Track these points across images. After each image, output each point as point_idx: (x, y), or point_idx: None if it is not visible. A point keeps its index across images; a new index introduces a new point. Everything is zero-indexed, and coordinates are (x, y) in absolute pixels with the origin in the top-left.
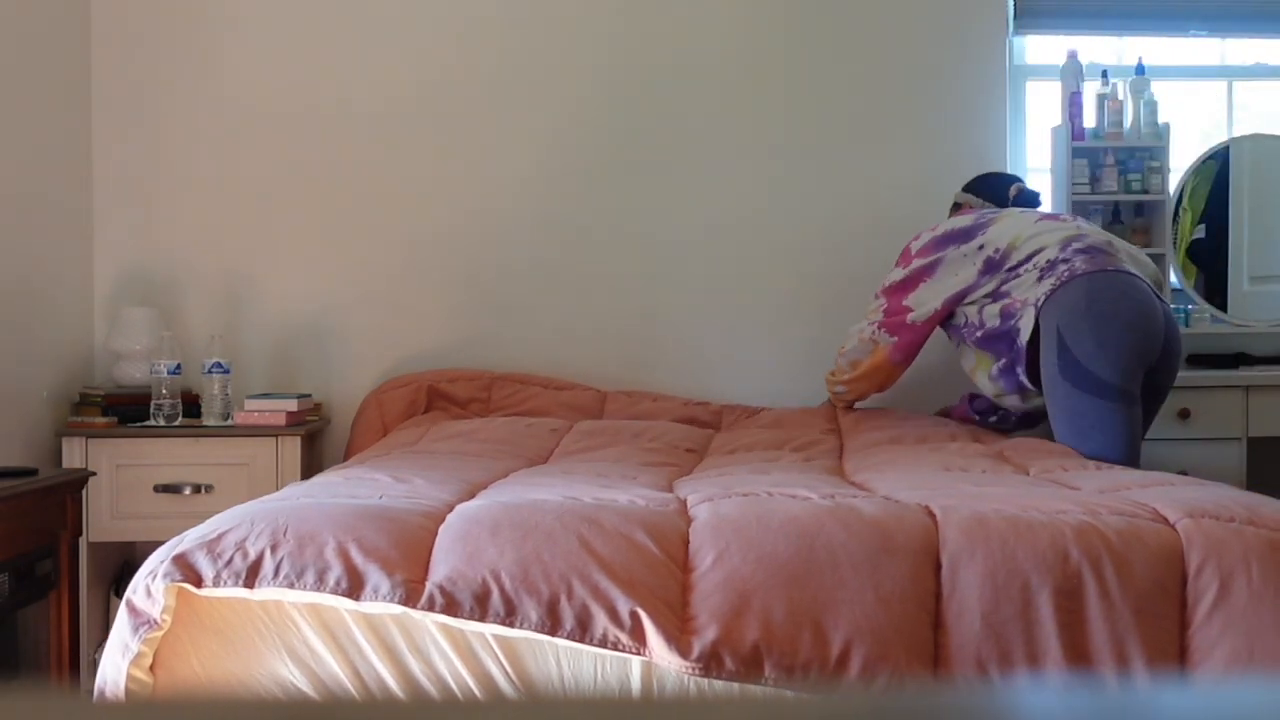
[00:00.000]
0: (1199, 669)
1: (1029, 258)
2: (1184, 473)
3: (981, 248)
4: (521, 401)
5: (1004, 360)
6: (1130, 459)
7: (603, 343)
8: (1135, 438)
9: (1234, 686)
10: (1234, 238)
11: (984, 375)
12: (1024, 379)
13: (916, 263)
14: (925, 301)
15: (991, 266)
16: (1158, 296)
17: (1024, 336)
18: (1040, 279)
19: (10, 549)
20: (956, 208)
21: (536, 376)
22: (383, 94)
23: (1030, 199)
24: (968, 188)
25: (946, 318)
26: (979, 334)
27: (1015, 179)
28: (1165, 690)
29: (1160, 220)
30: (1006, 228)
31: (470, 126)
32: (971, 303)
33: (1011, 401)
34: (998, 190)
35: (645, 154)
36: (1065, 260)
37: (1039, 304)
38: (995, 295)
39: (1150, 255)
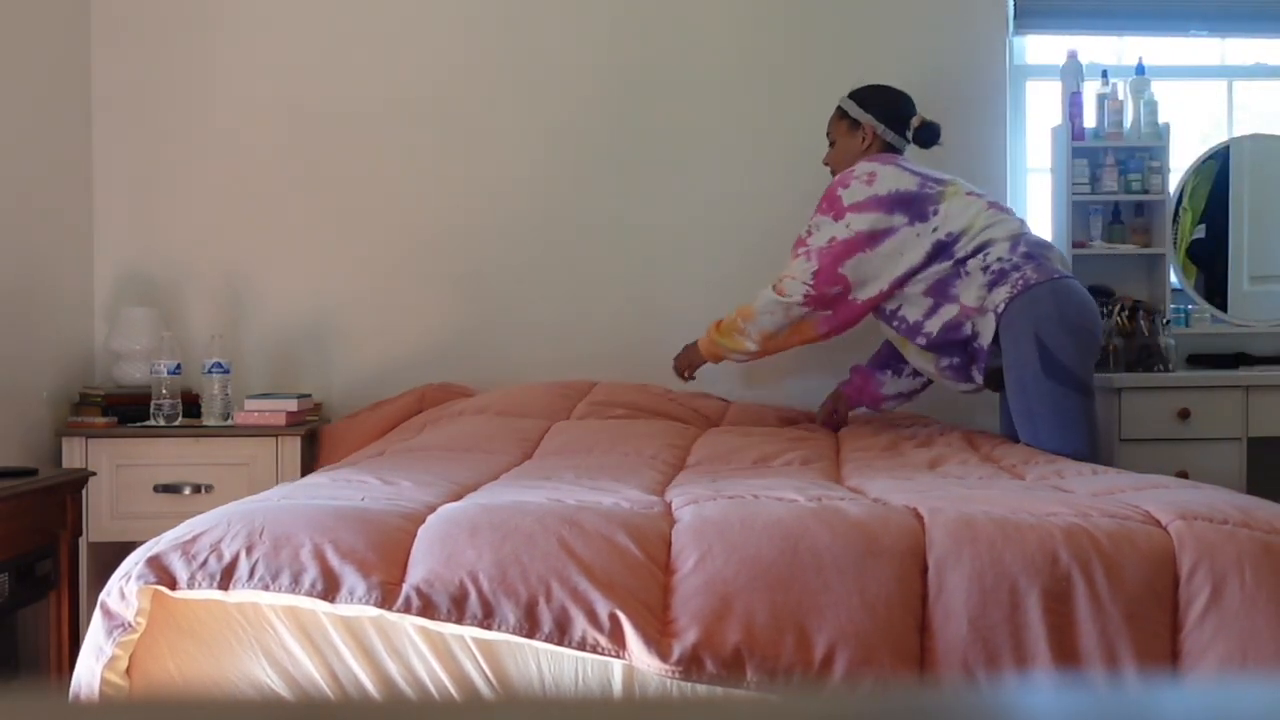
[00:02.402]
0: (1191, 673)
1: (978, 250)
2: (1184, 473)
3: (935, 229)
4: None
5: (956, 359)
6: (1099, 448)
7: (604, 341)
8: (1100, 430)
9: (1226, 687)
10: (1234, 238)
11: (927, 363)
12: (979, 378)
13: (852, 218)
14: (869, 279)
15: (940, 250)
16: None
17: (985, 339)
18: (993, 286)
19: (10, 549)
20: (854, 124)
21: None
22: (382, 94)
23: (932, 133)
24: (865, 104)
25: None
26: (922, 340)
27: (913, 107)
28: (1156, 691)
29: (1160, 220)
30: (961, 209)
31: (470, 126)
32: (909, 290)
33: (944, 381)
34: (900, 116)
35: (646, 153)
36: (1016, 267)
37: (998, 310)
38: (935, 295)
39: (1150, 255)
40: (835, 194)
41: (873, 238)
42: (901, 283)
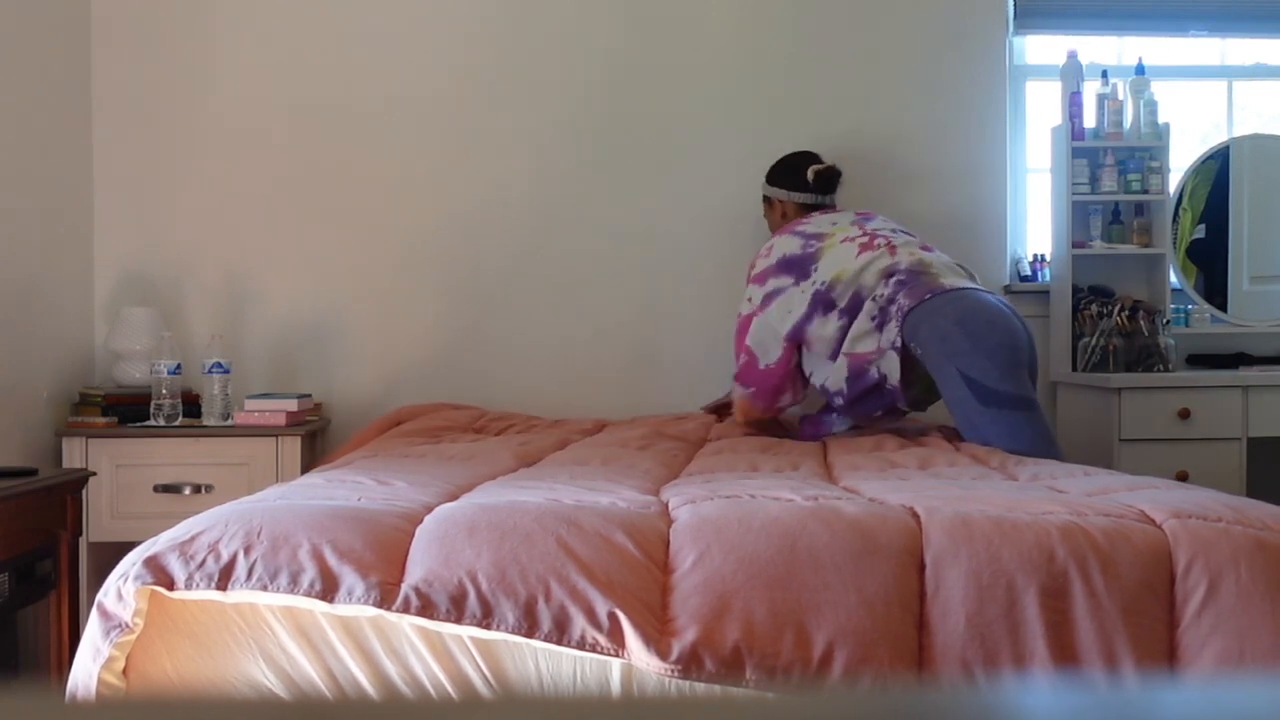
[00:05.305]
0: (1188, 668)
1: (855, 299)
2: (1184, 474)
3: (813, 282)
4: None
5: (879, 411)
6: (1059, 447)
7: (603, 342)
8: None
9: (1226, 685)
10: (1234, 238)
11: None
12: (905, 407)
13: (752, 290)
14: (765, 343)
15: (818, 300)
16: (989, 294)
17: (894, 378)
18: (881, 326)
19: (10, 549)
20: (767, 202)
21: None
22: (382, 95)
23: (827, 182)
24: (771, 180)
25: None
26: (840, 401)
27: (810, 159)
28: (1155, 689)
29: (1160, 220)
30: (833, 260)
31: (470, 128)
32: (811, 348)
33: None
34: (797, 177)
35: (646, 156)
36: (890, 300)
37: (896, 346)
38: (833, 353)
39: (1150, 255)
40: (753, 263)
41: (765, 301)
42: (796, 335)
